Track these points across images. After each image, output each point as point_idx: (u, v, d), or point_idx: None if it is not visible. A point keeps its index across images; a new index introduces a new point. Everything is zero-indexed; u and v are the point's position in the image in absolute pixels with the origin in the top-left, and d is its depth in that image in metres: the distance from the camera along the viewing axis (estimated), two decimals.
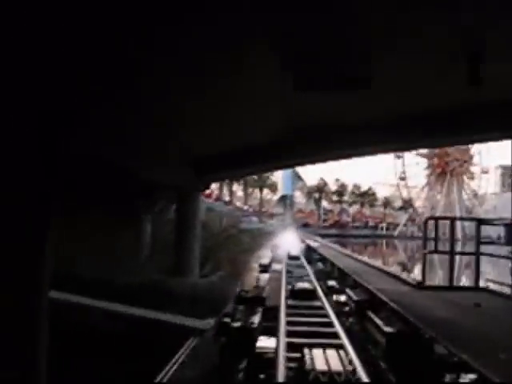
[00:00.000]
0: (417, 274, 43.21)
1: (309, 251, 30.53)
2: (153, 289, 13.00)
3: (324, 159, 11.77)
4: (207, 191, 44.93)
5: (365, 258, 22.69)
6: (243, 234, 25.11)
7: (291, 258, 25.21)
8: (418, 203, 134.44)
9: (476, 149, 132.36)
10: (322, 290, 13.43)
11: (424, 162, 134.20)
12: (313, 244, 33.84)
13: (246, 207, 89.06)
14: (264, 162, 11.29)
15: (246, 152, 11.41)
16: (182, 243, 14.82)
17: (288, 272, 19.10)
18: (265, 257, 34.33)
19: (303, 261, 24.18)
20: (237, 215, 38.55)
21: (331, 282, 15.11)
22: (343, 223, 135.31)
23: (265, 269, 26.69)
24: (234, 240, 17.48)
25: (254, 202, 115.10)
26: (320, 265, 23.51)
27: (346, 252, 27.52)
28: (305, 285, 12.80)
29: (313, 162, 12.34)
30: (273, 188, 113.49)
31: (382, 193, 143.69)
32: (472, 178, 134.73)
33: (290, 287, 13.19)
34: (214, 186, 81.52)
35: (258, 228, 64.85)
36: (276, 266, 24.26)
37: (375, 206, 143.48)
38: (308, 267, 21.50)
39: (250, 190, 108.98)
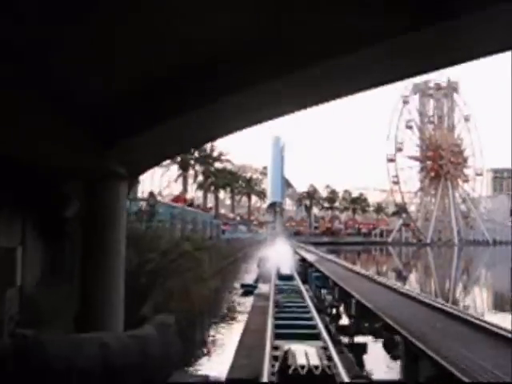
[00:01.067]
0: (412, 281, 37.11)
1: (304, 266, 24.42)
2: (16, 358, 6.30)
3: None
4: (175, 194, 38.42)
5: (396, 283, 16.21)
6: (212, 248, 18.93)
7: (282, 277, 18.97)
8: (411, 208, 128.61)
9: (470, 151, 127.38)
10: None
11: (417, 165, 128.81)
12: (308, 257, 27.61)
13: (231, 215, 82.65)
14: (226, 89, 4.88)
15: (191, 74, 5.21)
16: (93, 270, 8.57)
17: (277, 305, 12.90)
18: (250, 272, 28.15)
19: (298, 282, 18.03)
20: (216, 224, 32.20)
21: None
22: (335, 230, 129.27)
23: (248, 290, 20.56)
24: (187, 260, 11.11)
25: (243, 210, 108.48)
26: (324, 292, 17.09)
27: (355, 269, 20.99)
28: (310, 356, 6.27)
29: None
30: (262, 195, 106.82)
31: (372, 198, 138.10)
32: (466, 180, 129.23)
33: (279, 357, 6.96)
34: (200, 193, 75.29)
35: (245, 238, 58.61)
36: (262, 288, 18.29)
37: (367, 212, 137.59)
38: (306, 293, 15.34)
39: (238, 197, 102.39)
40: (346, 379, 6.04)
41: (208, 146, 66.04)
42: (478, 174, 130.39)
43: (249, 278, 23.69)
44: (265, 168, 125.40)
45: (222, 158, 68.36)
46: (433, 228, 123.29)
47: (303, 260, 26.49)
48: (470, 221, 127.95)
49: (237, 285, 23.53)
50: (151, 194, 21.84)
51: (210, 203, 74.40)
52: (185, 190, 57.18)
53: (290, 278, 18.64)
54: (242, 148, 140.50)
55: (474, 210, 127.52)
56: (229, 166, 77.82)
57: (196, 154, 59.87)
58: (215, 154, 66.77)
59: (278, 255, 26.45)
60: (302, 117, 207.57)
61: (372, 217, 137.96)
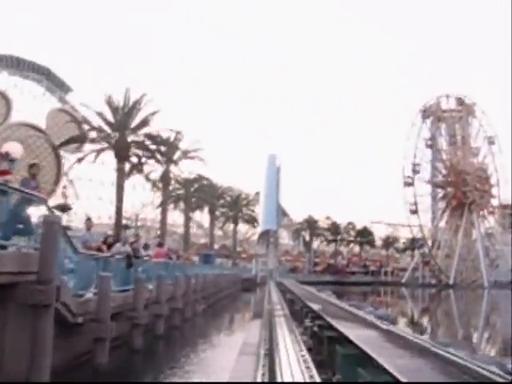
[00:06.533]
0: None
1: None
2: None
3: None
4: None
5: None
6: None
7: None
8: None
9: (495, 178, 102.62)
10: None
11: (430, 192, 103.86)
12: None
13: (202, 241, 56.88)
14: None
15: None
16: None
17: None
18: None
19: None
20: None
21: None
22: (339, 268, 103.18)
23: None
24: None
25: (231, 241, 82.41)
26: None
27: None
28: None
29: None
30: (252, 222, 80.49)
31: (377, 233, 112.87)
32: (492, 212, 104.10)
33: None
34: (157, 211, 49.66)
35: (216, 277, 32.85)
36: None
37: (375, 248, 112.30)
38: None
39: (221, 223, 76.21)
40: None
41: (172, 133, 40.70)
42: (503, 206, 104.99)
43: None
44: (257, 194, 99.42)
45: (194, 154, 43.01)
46: (455, 267, 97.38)
47: None
48: (496, 259, 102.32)
49: None
50: None
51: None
52: (119, 198, 31.76)
53: None
54: (229, 171, 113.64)
55: (503, 247, 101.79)
56: (206, 172, 52.08)
57: (144, 137, 34.21)
58: (183, 146, 41.55)
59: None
60: (299, 141, 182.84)
61: (379, 253, 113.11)
